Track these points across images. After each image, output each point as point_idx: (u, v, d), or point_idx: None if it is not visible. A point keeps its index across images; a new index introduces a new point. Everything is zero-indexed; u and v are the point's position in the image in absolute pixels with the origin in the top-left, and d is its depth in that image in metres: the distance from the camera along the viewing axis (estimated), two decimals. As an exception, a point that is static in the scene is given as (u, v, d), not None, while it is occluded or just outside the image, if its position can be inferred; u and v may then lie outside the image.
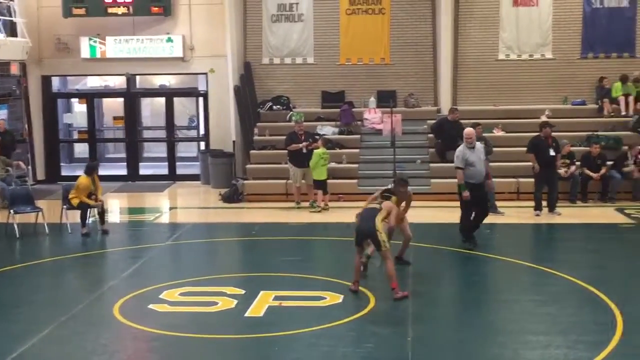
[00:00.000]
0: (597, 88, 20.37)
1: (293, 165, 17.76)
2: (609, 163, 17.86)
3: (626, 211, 16.57)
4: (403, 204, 12.00)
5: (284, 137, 18.36)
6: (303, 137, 17.87)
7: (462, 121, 18.77)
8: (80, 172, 15.83)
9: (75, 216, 15.15)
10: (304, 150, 17.64)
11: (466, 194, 13.15)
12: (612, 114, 19.87)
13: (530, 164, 16.34)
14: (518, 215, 16.30)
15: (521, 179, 17.80)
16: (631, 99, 19.89)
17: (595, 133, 19.05)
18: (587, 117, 20.02)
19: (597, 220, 15.96)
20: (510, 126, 19.74)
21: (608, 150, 18.37)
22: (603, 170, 17.67)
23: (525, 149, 16.58)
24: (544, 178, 16.19)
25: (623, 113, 19.85)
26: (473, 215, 13.36)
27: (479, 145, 13.58)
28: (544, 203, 16.30)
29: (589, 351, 8.50)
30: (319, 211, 17.19)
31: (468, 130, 13.75)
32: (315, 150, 17.44)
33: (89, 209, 15.09)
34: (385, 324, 9.64)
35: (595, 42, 20.68)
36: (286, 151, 18.03)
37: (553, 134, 16.42)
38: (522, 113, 20.15)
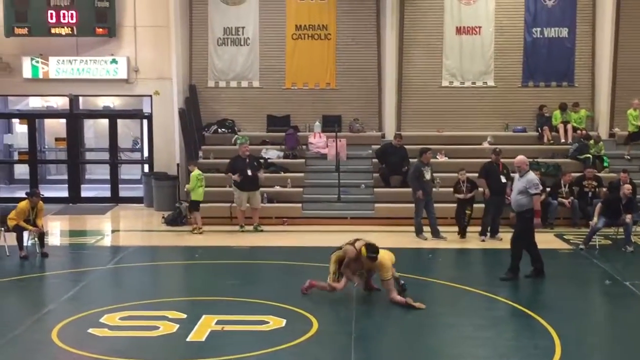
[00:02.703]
0: (537, 116, 20.80)
1: (237, 188, 17.72)
2: (548, 189, 18.17)
3: (565, 237, 16.87)
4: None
5: (228, 161, 18.30)
6: (248, 161, 17.83)
7: (406, 146, 19.03)
8: (20, 194, 15.56)
9: (14, 239, 14.84)
10: (249, 174, 17.61)
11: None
12: (552, 141, 20.31)
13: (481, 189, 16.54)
14: (461, 239, 16.46)
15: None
16: (570, 126, 20.36)
17: (536, 160, 19.38)
18: (528, 144, 20.40)
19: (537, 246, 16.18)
20: (453, 152, 20.01)
21: (548, 177, 18.70)
22: (542, 197, 17.93)
23: (474, 174, 16.74)
24: (493, 204, 16.37)
25: (562, 140, 20.30)
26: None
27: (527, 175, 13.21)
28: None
29: (529, 375, 8.61)
30: (201, 233, 17.32)
31: (520, 158, 13.28)
32: (192, 173, 17.59)
33: (24, 233, 14.82)
34: (329, 348, 9.63)
35: (535, 71, 21.17)
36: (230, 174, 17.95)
37: (502, 160, 16.69)
38: (465, 139, 20.47)
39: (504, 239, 16.22)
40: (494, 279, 13.03)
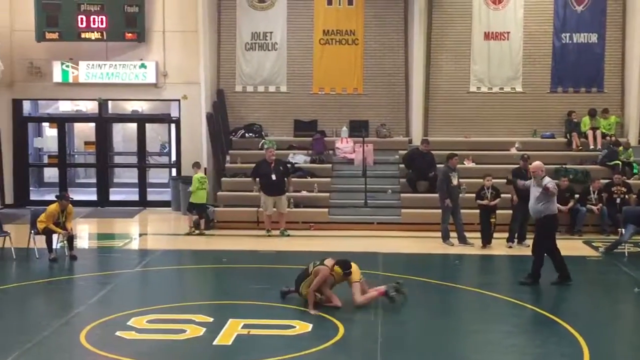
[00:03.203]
0: (566, 122, 20.66)
1: (264, 193, 17.76)
2: (577, 196, 18.05)
3: (594, 244, 16.74)
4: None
5: (254, 165, 18.34)
6: (273, 165, 17.86)
7: (433, 152, 18.99)
8: (49, 197, 15.72)
9: (43, 241, 14.99)
10: (274, 178, 17.65)
11: None
12: (581, 147, 20.17)
13: (507, 195, 16.44)
14: (488, 246, 16.39)
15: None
16: (599, 133, 20.20)
17: (564, 166, 19.28)
18: (556, 150, 20.28)
19: (565, 253, 15.95)
20: (481, 158, 19.93)
21: (577, 183, 18.57)
22: (571, 203, 17.85)
23: (502, 180, 16.62)
24: (520, 210, 16.27)
25: (591, 147, 20.15)
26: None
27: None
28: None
29: (556, 383, 8.55)
30: (199, 234, 17.75)
31: (536, 164, 13.28)
32: (194, 175, 18.06)
33: (54, 235, 14.96)
34: (354, 353, 9.63)
35: (564, 77, 21.03)
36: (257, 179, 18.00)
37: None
38: (492, 145, 20.37)
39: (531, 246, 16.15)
40: (521, 285, 12.96)
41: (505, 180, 16.38)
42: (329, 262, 11.38)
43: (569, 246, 16.63)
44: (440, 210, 16.67)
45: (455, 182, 16.48)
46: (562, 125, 20.80)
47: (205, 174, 19.27)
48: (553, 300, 12.35)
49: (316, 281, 11.18)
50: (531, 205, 13.21)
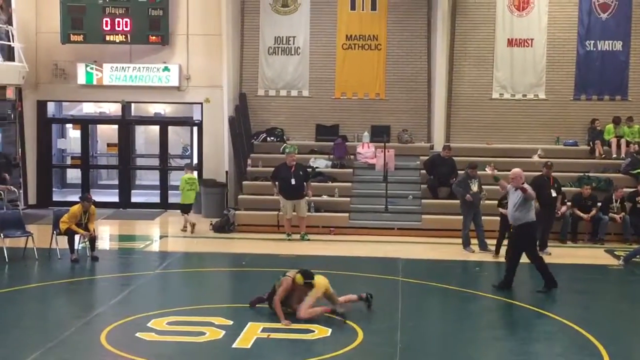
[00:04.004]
0: (589, 129, 20.54)
1: (283, 197, 17.80)
2: (599, 204, 17.94)
3: (616, 253, 16.61)
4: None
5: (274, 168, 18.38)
6: (293, 170, 17.89)
7: (454, 158, 18.94)
8: (71, 198, 15.83)
9: (65, 242, 15.09)
10: (293, 182, 17.68)
11: None
12: (604, 155, 20.03)
13: None
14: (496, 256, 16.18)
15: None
16: (623, 141, 20.06)
17: (587, 174, 19.17)
18: (579, 158, 20.17)
19: (587, 261, 15.99)
20: (503, 165, 19.77)
21: (599, 191, 18.45)
22: (593, 212, 17.74)
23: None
24: (543, 218, 16.18)
25: (614, 155, 20.01)
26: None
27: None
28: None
29: (576, 392, 8.50)
30: (185, 230, 18.46)
31: (515, 171, 13.23)
32: (182, 176, 18.81)
33: (76, 236, 15.08)
34: (373, 358, 9.62)
35: (588, 84, 20.91)
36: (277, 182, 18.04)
37: (553, 174, 16.53)
38: (514, 152, 20.26)
39: (553, 254, 16.08)
40: (542, 293, 12.89)
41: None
42: (292, 272, 11.18)
43: (591, 254, 16.58)
44: (461, 217, 16.62)
45: (475, 188, 16.43)
46: (585, 133, 20.68)
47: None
48: (574, 308, 12.26)
49: (280, 291, 10.98)
50: (509, 213, 13.19)
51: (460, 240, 16.63)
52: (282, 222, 18.08)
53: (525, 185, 12.93)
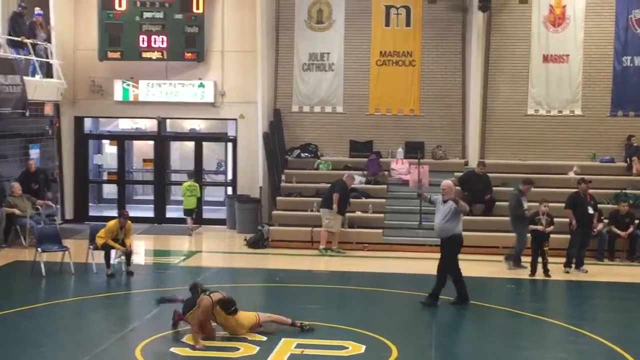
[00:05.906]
0: (625, 146, 20.31)
1: (339, 212, 17.90)
2: (637, 222, 17.72)
3: (654, 271, 16.41)
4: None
5: (310, 185, 18.44)
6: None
7: (489, 174, 18.84)
8: (108, 213, 15.97)
9: (101, 257, 15.24)
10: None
11: None
12: (641, 172, 19.80)
13: (566, 219, 16.22)
14: (532, 276, 15.93)
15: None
16: (660, 158, 19.81)
17: (624, 191, 18.96)
18: (616, 174, 19.95)
19: (624, 279, 15.79)
20: (538, 181, 19.63)
21: (636, 208, 18.23)
22: (630, 229, 17.53)
23: (558, 204, 16.42)
24: (580, 235, 16.02)
25: (651, 172, 19.77)
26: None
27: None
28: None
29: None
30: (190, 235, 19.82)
31: (446, 183, 13.37)
32: (184, 183, 20.58)
33: (112, 251, 15.22)
34: (407, 376, 9.58)
35: (625, 100, 20.68)
36: (312, 198, 18.06)
37: (590, 191, 16.38)
38: (549, 168, 20.10)
39: (590, 271, 15.90)
40: (578, 311, 12.77)
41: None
42: (215, 295, 10.84)
43: (628, 272, 16.38)
44: (492, 233, 16.48)
45: (525, 206, 16.26)
46: (622, 150, 20.45)
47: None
48: (612, 327, 12.11)
49: (198, 314, 10.63)
50: (437, 224, 13.10)
51: (493, 257, 16.51)
52: (318, 238, 18.07)
53: (461, 202, 12.98)
